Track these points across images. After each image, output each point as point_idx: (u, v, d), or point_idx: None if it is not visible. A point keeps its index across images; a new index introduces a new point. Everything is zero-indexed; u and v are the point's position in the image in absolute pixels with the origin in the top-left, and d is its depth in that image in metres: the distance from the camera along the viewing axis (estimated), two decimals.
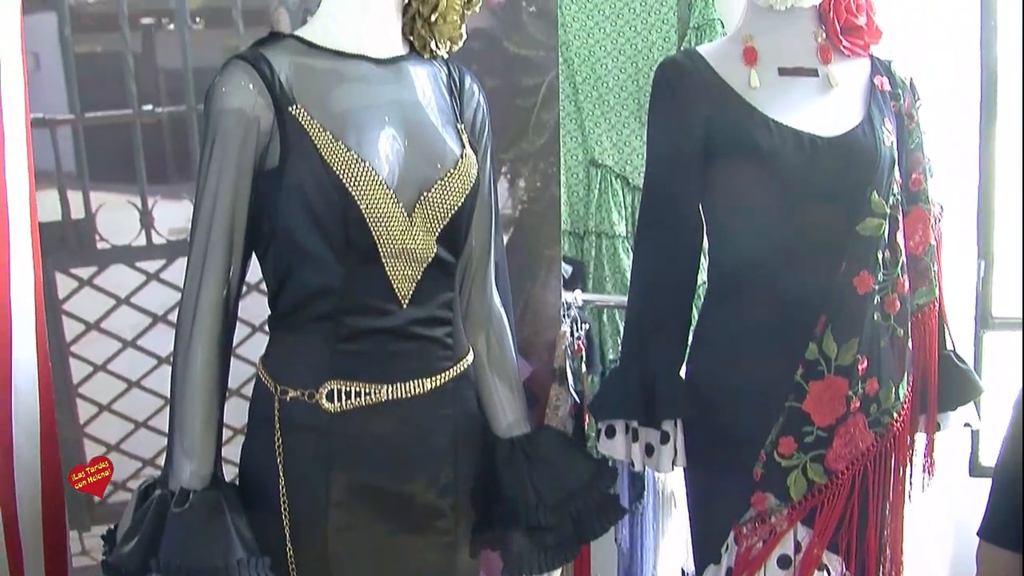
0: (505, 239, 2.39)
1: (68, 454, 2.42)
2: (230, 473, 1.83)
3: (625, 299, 2.31)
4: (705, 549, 2.24)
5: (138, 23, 2.46)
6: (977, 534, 1.91)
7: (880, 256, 2.10)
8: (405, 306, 1.77)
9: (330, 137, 1.70)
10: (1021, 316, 3.05)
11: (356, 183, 1.68)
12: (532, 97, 2.59)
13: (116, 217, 2.51)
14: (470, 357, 1.92)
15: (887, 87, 2.18)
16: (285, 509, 1.77)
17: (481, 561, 2.00)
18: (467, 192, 1.81)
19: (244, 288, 1.81)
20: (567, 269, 2.94)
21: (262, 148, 1.71)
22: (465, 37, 1.91)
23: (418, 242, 1.75)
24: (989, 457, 3.12)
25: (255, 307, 1.98)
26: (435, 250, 1.78)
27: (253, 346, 2.13)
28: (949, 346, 2.32)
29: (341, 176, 1.67)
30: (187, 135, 2.50)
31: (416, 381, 1.80)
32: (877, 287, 2.10)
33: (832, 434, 2.11)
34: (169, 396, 1.76)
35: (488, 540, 1.94)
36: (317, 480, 1.77)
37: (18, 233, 2.28)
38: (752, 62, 2.12)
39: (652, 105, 2.21)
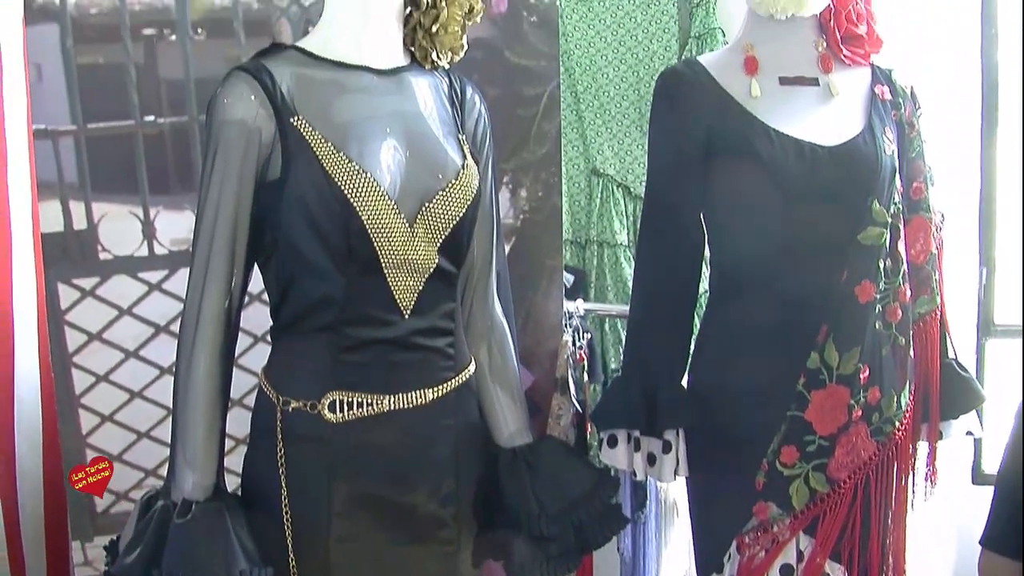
0: (507, 249, 2.39)
1: (70, 464, 2.41)
2: (232, 483, 1.83)
3: (627, 308, 2.31)
4: (707, 558, 2.23)
5: (140, 34, 2.46)
6: (979, 543, 1.91)
7: (881, 265, 2.10)
8: (407, 316, 1.77)
9: (332, 148, 1.70)
10: (1022, 323, 3.05)
11: (358, 194, 1.68)
12: (533, 107, 2.59)
13: (118, 228, 2.51)
14: (472, 367, 1.92)
15: (888, 96, 2.18)
16: (287, 520, 1.77)
17: (483, 571, 2.00)
18: (468, 202, 1.81)
19: (246, 298, 1.81)
20: (569, 278, 2.94)
21: (264, 159, 1.71)
22: (466, 47, 1.91)
23: (420, 253, 1.75)
24: (992, 465, 3.12)
25: (257, 317, 1.99)
26: (436, 260, 1.78)
27: (255, 356, 2.13)
28: (951, 355, 2.32)
29: (343, 187, 1.68)
30: (189, 146, 2.50)
31: (418, 391, 1.80)
32: (878, 296, 2.10)
33: (834, 443, 2.11)
34: (171, 406, 1.77)
35: (490, 550, 1.93)
36: (319, 490, 1.77)
37: (20, 244, 2.28)
38: (753, 71, 2.13)
39: (653, 114, 2.21)
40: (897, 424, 2.18)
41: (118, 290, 2.53)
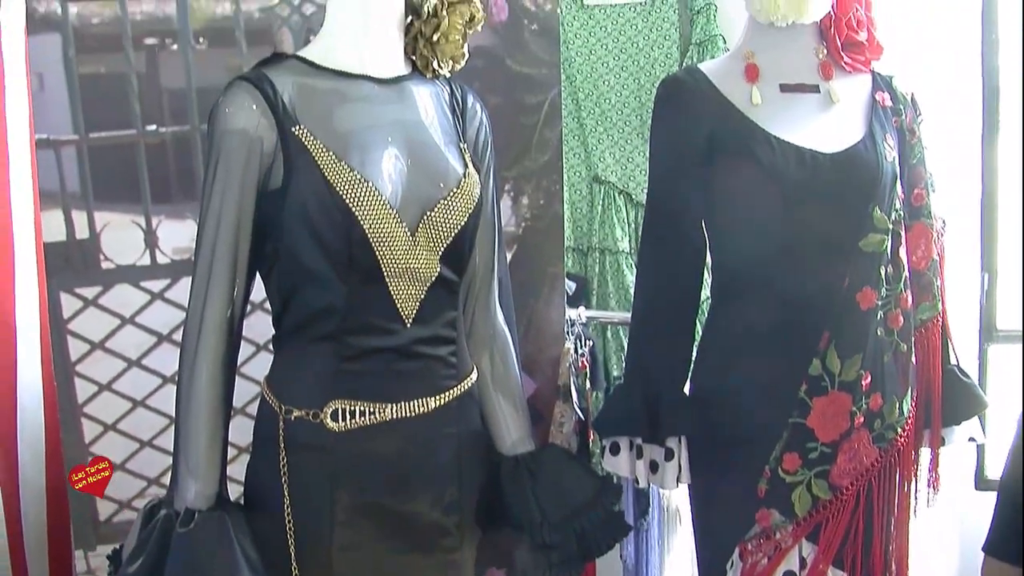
0: (508, 256, 2.39)
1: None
2: (235, 492, 1.83)
3: (629, 315, 2.31)
4: (710, 566, 2.23)
5: (142, 43, 2.47)
6: (982, 549, 1.91)
7: (883, 271, 2.10)
8: (409, 325, 1.78)
9: (333, 157, 1.70)
10: (1022, 329, 3.05)
11: (359, 203, 1.68)
12: (535, 115, 2.59)
13: (120, 237, 2.51)
14: (474, 375, 1.92)
15: (888, 102, 2.18)
16: (290, 528, 1.77)
17: None
18: (470, 211, 1.82)
19: (248, 307, 1.81)
20: (571, 286, 2.94)
21: (265, 168, 1.72)
22: (467, 56, 1.92)
23: (421, 261, 1.76)
24: (995, 470, 3.12)
25: (259, 326, 1.99)
26: (438, 269, 1.79)
27: (257, 365, 2.14)
28: (953, 361, 2.32)
29: (344, 196, 1.68)
30: (191, 155, 2.50)
31: (420, 400, 1.80)
32: (880, 302, 2.10)
33: (836, 450, 2.11)
34: (174, 415, 1.77)
35: (493, 558, 1.94)
36: (322, 499, 1.77)
37: (23, 253, 2.29)
38: (754, 79, 2.13)
39: (654, 121, 2.21)
40: (899, 431, 2.18)
41: (120, 299, 2.53)
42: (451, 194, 1.79)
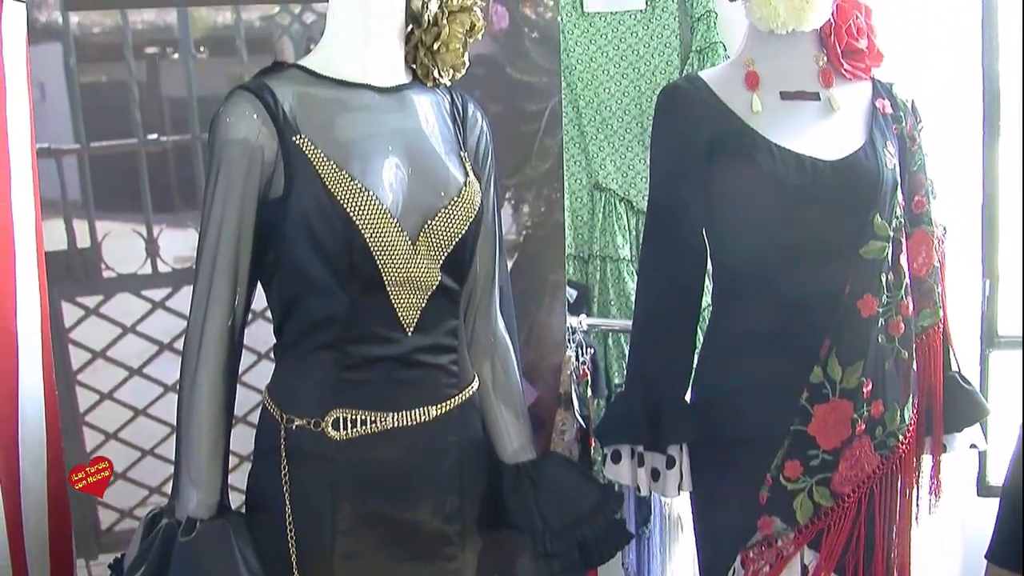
0: (509, 264, 2.39)
1: None
2: (236, 501, 1.83)
3: (630, 323, 2.31)
4: (712, 573, 2.23)
5: (142, 52, 2.47)
6: (985, 557, 1.91)
7: (884, 279, 2.10)
8: (410, 334, 1.78)
9: (334, 166, 1.70)
10: (1022, 335, 3.05)
11: (360, 212, 1.68)
12: (535, 122, 2.59)
13: (122, 246, 2.51)
14: (475, 384, 1.92)
15: (889, 110, 2.18)
16: (292, 537, 1.77)
17: None
18: (471, 219, 1.82)
19: (249, 316, 1.81)
20: (572, 293, 2.93)
21: (266, 178, 1.72)
22: (468, 64, 1.92)
23: (422, 270, 1.76)
24: (997, 476, 3.11)
25: (261, 334, 1.99)
26: (439, 278, 1.79)
27: (259, 373, 2.14)
28: (954, 367, 2.32)
29: (345, 205, 1.68)
30: (192, 164, 2.50)
31: (421, 408, 1.80)
32: (881, 310, 2.10)
33: (838, 457, 2.11)
34: (175, 424, 1.77)
35: (495, 567, 1.93)
36: (323, 508, 1.77)
37: (24, 262, 2.29)
38: (754, 86, 2.13)
39: (655, 129, 2.21)
40: (901, 438, 2.18)
41: (122, 308, 2.54)
42: (452, 203, 1.79)
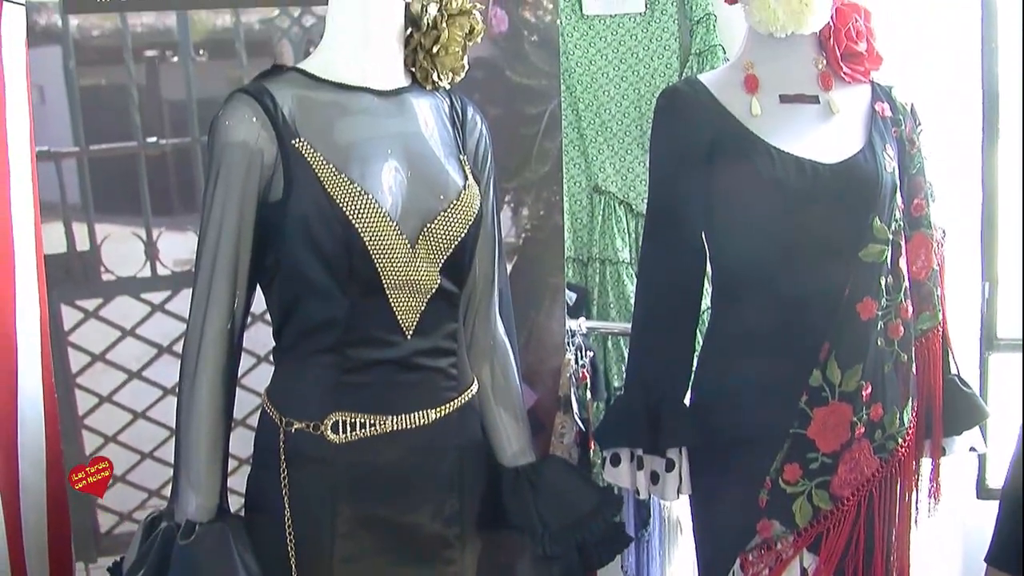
0: (509, 268, 2.38)
1: None
2: (235, 504, 1.83)
3: (629, 326, 2.31)
4: None
5: (142, 55, 2.47)
6: (984, 560, 1.91)
7: (883, 282, 2.10)
8: (409, 337, 1.78)
9: (333, 169, 1.70)
10: (1022, 337, 3.05)
11: (359, 215, 1.68)
12: (535, 125, 2.59)
13: (121, 249, 2.51)
14: (475, 387, 1.92)
15: (888, 113, 2.18)
16: (291, 540, 1.77)
17: None
18: (470, 223, 1.82)
19: (249, 318, 1.81)
20: (571, 296, 2.93)
21: (266, 181, 1.72)
22: (467, 68, 1.92)
23: (422, 273, 1.76)
24: (997, 479, 3.11)
25: (260, 337, 1.99)
26: (439, 281, 1.79)
27: (258, 376, 2.14)
28: (953, 370, 2.32)
29: (344, 208, 1.68)
30: (191, 167, 2.50)
31: (421, 412, 1.80)
32: (880, 313, 2.10)
33: (837, 460, 2.11)
34: (174, 427, 1.77)
35: (494, 570, 1.93)
36: (323, 511, 1.77)
37: (24, 265, 2.30)
38: (753, 90, 2.13)
39: (654, 131, 2.21)
40: (900, 441, 2.18)
41: (121, 311, 2.53)
42: (451, 206, 1.79)
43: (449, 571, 1.87)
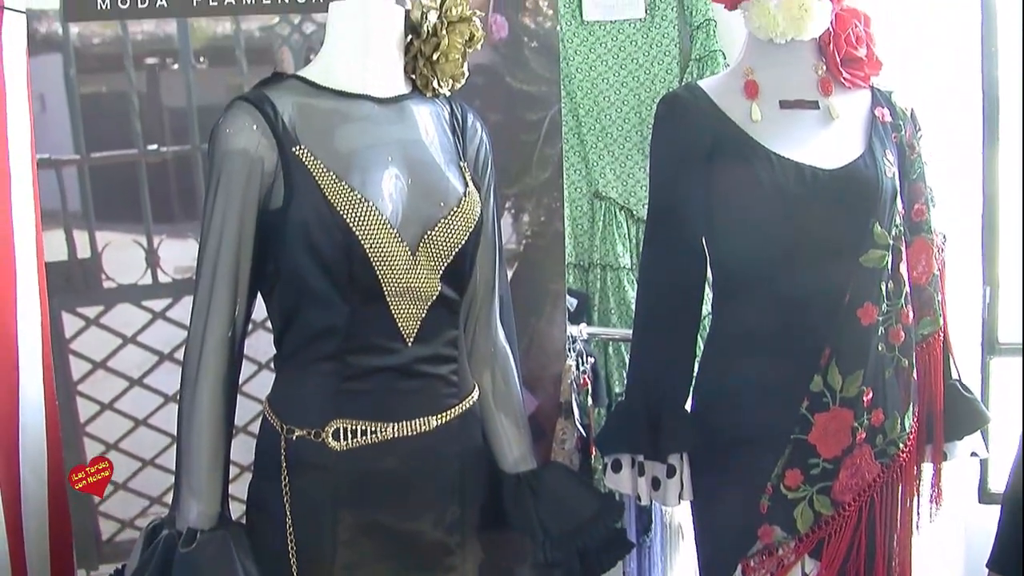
0: (509, 274, 2.39)
1: (75, 492, 2.42)
2: (237, 511, 1.83)
3: (630, 332, 2.31)
4: None
5: (142, 63, 2.47)
6: (986, 565, 1.91)
7: (884, 287, 2.10)
8: (410, 344, 1.78)
9: (333, 177, 1.70)
10: (1022, 342, 3.05)
11: (360, 223, 1.69)
12: (535, 132, 2.59)
13: (122, 256, 2.51)
14: (476, 394, 1.92)
15: (888, 118, 2.18)
16: (292, 548, 1.77)
17: None
18: (471, 229, 1.82)
19: (250, 326, 1.81)
20: (572, 302, 2.93)
21: (266, 188, 1.72)
22: (467, 74, 1.92)
23: (422, 280, 1.76)
24: (999, 483, 3.11)
25: (261, 344, 1.99)
26: (439, 288, 1.79)
27: (259, 383, 2.14)
28: (954, 376, 2.31)
29: (345, 216, 1.68)
30: (192, 174, 2.50)
31: (422, 419, 1.80)
32: (881, 318, 2.10)
33: (838, 466, 2.11)
34: (176, 435, 1.77)
35: None
36: (324, 518, 1.77)
37: (25, 273, 2.30)
38: (753, 95, 2.13)
39: (654, 137, 2.21)
40: (901, 446, 2.18)
41: (122, 318, 2.54)
42: (451, 213, 1.79)
43: None
